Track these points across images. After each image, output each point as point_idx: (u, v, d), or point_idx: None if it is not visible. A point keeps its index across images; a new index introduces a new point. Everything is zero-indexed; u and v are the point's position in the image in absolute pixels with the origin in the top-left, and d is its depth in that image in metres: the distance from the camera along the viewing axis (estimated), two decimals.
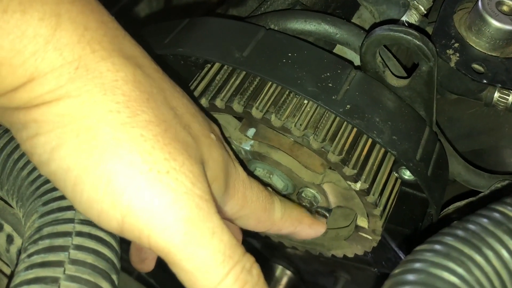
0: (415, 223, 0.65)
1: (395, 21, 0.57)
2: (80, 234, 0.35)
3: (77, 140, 0.31)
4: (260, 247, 1.02)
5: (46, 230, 0.35)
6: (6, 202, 0.45)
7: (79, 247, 0.34)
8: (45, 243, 0.34)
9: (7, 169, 0.42)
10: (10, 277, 0.46)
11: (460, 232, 0.36)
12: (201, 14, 1.18)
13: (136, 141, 0.31)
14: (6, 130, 0.44)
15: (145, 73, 0.35)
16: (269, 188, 0.55)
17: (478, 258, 0.33)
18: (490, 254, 0.33)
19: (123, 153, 0.31)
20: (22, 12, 0.30)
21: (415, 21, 0.57)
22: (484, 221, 0.36)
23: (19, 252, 0.44)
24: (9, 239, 0.45)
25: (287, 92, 0.51)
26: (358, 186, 0.52)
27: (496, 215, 0.36)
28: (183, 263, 0.33)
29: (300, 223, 0.56)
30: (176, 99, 0.38)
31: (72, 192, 0.31)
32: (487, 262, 0.33)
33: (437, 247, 0.35)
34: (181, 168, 0.33)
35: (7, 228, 0.45)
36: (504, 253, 0.33)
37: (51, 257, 0.33)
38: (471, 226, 0.36)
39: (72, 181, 0.31)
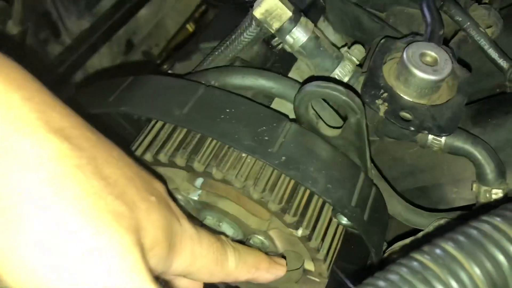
0: (364, 261, 0.67)
1: (330, 73, 0.60)
2: None
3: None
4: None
5: None
6: None
7: None
8: None
9: None
10: None
11: (380, 283, 0.38)
12: (149, 68, 1.21)
13: (60, 220, 0.32)
14: None
15: (73, 144, 0.35)
16: (222, 237, 0.56)
17: None
18: None
19: (41, 236, 0.32)
20: None
21: (349, 71, 0.61)
22: (403, 269, 0.38)
23: None
24: None
25: (227, 146, 0.53)
26: (299, 232, 0.54)
27: (414, 263, 0.38)
28: None
29: (256, 270, 0.56)
30: (110, 165, 0.38)
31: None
32: None
33: None
34: (108, 242, 0.34)
35: None
36: None
37: None
38: (391, 276, 0.38)
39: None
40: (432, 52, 0.56)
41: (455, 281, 0.37)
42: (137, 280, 0.34)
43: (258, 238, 0.61)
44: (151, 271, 0.37)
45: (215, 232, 0.63)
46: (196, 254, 0.47)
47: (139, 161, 0.51)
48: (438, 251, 0.39)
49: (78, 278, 0.32)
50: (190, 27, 1.23)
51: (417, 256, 0.39)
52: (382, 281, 0.38)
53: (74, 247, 0.32)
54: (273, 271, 0.57)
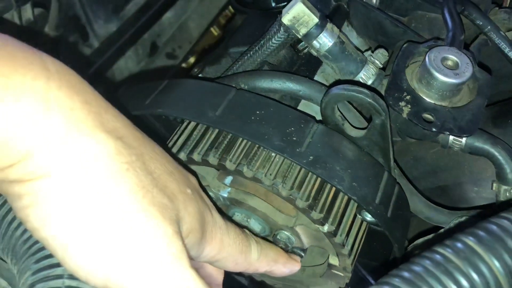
0: (386, 257, 0.69)
1: (355, 76, 0.63)
2: None
3: (64, 212, 0.35)
4: (248, 284, 1.06)
5: (39, 286, 0.40)
6: (1, 259, 0.50)
7: None
8: None
9: (2, 229, 0.46)
10: None
11: (405, 274, 0.40)
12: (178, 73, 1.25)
13: (116, 210, 0.36)
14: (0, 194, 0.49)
15: (125, 143, 0.39)
16: (246, 231, 0.59)
17: None
18: None
19: (104, 222, 0.36)
20: (15, 100, 0.35)
21: (373, 74, 0.63)
22: (426, 262, 0.41)
23: None
24: None
25: (257, 146, 0.56)
26: (325, 228, 0.57)
27: (436, 256, 0.41)
28: None
29: (275, 263, 0.60)
30: (154, 161, 0.42)
31: (62, 256, 0.36)
32: None
33: None
34: (156, 232, 0.38)
35: (3, 283, 0.49)
36: None
37: None
38: (415, 267, 0.41)
39: (61, 247, 0.36)
40: (453, 56, 0.58)
41: (475, 273, 0.39)
42: (180, 266, 0.38)
43: (285, 234, 0.64)
44: (190, 258, 0.41)
45: (241, 227, 0.66)
46: (224, 243, 0.51)
47: (175, 158, 0.54)
48: (459, 245, 0.41)
49: (130, 260, 0.36)
50: (215, 31, 1.26)
51: (440, 249, 0.41)
52: (406, 272, 0.41)
53: (131, 233, 0.36)
54: (290, 266, 0.62)
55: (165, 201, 0.40)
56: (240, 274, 0.94)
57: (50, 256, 0.42)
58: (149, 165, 0.41)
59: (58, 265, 0.41)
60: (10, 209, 0.47)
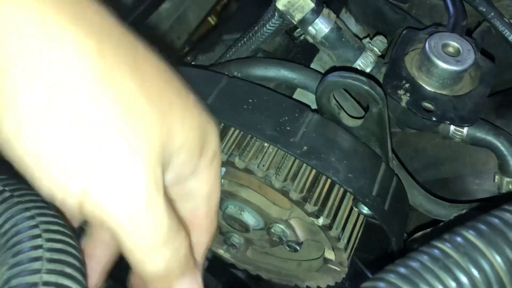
0: (384, 251, 0.67)
1: (352, 64, 0.61)
2: (46, 283, 0.38)
3: (38, 121, 0.33)
4: (245, 278, 1.04)
5: (15, 282, 0.38)
6: None
7: None
8: None
9: None
10: None
11: (401, 269, 0.38)
12: (170, 61, 1.23)
13: (95, 124, 0.34)
14: None
15: (110, 44, 0.35)
16: None
17: None
18: None
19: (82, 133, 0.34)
20: None
21: (371, 62, 0.61)
22: (424, 257, 0.39)
23: None
24: None
25: (249, 136, 0.54)
26: (320, 221, 0.55)
27: (435, 251, 0.39)
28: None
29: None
30: (146, 66, 0.37)
31: (36, 170, 0.34)
32: None
33: (380, 285, 0.38)
34: (137, 153, 0.35)
35: None
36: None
37: None
38: (412, 263, 0.39)
39: (35, 159, 0.33)
40: (454, 43, 0.56)
41: (476, 269, 0.37)
42: (155, 198, 0.36)
43: (279, 227, 0.62)
44: (166, 189, 0.38)
45: (234, 220, 0.64)
46: (219, 178, 0.46)
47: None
48: (459, 239, 0.39)
49: (108, 177, 0.35)
50: (212, 20, 1.24)
51: (438, 244, 0.39)
52: (403, 268, 0.38)
53: (110, 150, 0.34)
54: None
55: (154, 115, 0.36)
56: (236, 267, 0.93)
57: (28, 250, 0.40)
58: (139, 70, 0.36)
59: (36, 259, 0.39)
60: None
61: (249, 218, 0.63)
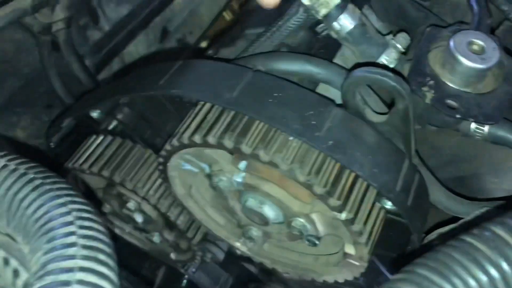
0: (401, 248, 0.68)
1: (375, 60, 0.61)
2: (82, 269, 0.38)
3: None
4: (257, 272, 1.05)
5: (51, 267, 0.38)
6: (12, 238, 0.48)
7: (81, 282, 0.37)
8: (50, 278, 0.37)
9: (14, 207, 0.45)
10: None
11: (431, 262, 0.39)
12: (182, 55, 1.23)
13: None
14: (13, 170, 0.48)
15: None
16: None
17: (447, 285, 0.36)
18: (457, 282, 0.37)
19: None
20: None
21: (394, 59, 0.61)
22: (454, 251, 0.39)
23: (25, 286, 0.47)
24: (15, 273, 0.47)
25: (274, 129, 0.55)
26: (343, 216, 0.55)
27: (464, 245, 0.39)
28: None
29: None
30: None
31: None
32: None
33: (410, 276, 0.38)
34: None
35: (14, 263, 0.48)
36: (470, 281, 0.37)
37: None
38: (442, 256, 0.39)
39: None
40: (479, 41, 0.56)
41: (506, 263, 0.38)
42: None
43: (300, 221, 0.62)
44: None
45: (254, 213, 0.64)
46: None
47: None
48: (488, 233, 0.39)
49: None
50: (227, 15, 1.24)
51: (468, 238, 0.40)
52: (432, 261, 0.39)
53: None
54: None
55: None
56: (250, 261, 0.93)
57: (63, 235, 0.41)
58: None
59: (71, 245, 0.40)
60: (22, 187, 0.45)
61: (269, 211, 0.64)
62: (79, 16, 1.17)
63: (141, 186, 0.77)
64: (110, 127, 0.79)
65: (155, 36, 1.43)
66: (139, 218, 0.89)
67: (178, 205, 0.78)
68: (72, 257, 0.39)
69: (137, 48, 1.40)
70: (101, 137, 0.80)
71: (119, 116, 0.76)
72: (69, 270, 0.38)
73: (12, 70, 1.03)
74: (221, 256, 0.85)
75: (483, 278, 0.37)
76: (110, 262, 0.41)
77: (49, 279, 0.38)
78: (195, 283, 1.13)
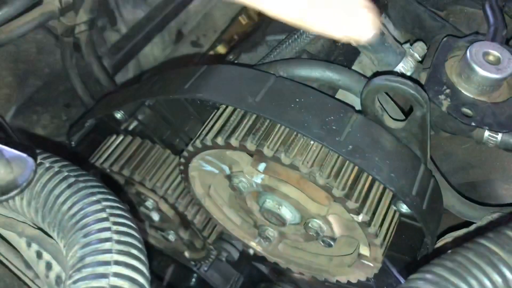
0: (413, 251, 0.69)
1: (393, 68, 0.63)
2: (117, 263, 0.40)
3: None
4: (268, 272, 1.07)
5: (88, 260, 0.40)
6: (46, 233, 0.51)
7: (117, 275, 0.40)
8: (88, 271, 0.40)
9: (49, 203, 0.47)
10: None
11: (448, 263, 0.41)
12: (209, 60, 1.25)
13: None
14: (47, 168, 0.50)
15: None
16: None
17: (463, 285, 0.38)
18: (473, 282, 0.39)
19: None
20: None
21: (411, 67, 0.63)
22: (470, 253, 0.41)
23: (57, 278, 0.49)
24: (48, 266, 0.50)
25: (295, 133, 0.57)
26: (360, 218, 0.57)
27: (481, 248, 0.41)
28: None
29: None
30: None
31: None
32: None
33: (428, 276, 0.40)
34: None
35: (46, 256, 0.50)
36: (486, 282, 0.39)
37: (94, 283, 0.39)
38: (458, 258, 0.41)
39: None
40: (495, 51, 0.58)
41: None
42: None
43: (317, 222, 0.64)
44: None
45: (272, 214, 0.66)
46: None
47: None
48: (503, 237, 0.41)
49: None
50: (243, 20, 1.26)
51: (483, 241, 0.42)
52: (450, 261, 0.41)
53: None
54: None
55: None
56: (261, 261, 0.95)
57: (98, 231, 0.43)
58: None
59: (106, 240, 0.42)
60: (58, 183, 0.48)
61: (287, 212, 0.66)
62: (97, 18, 1.20)
63: (160, 185, 0.80)
64: (131, 127, 0.82)
65: (170, 38, 1.46)
66: (155, 217, 0.92)
67: (195, 204, 0.80)
68: (108, 251, 0.41)
69: (152, 50, 1.43)
70: (121, 137, 0.83)
71: (140, 117, 0.79)
72: (106, 263, 0.40)
73: (33, 70, 1.06)
74: (236, 255, 0.87)
75: (498, 279, 0.39)
76: (142, 256, 0.43)
77: (86, 271, 0.40)
78: (206, 281, 1.15)
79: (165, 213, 0.88)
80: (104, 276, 0.39)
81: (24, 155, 0.44)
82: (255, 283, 1.11)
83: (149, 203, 0.87)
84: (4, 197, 0.44)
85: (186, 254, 1.01)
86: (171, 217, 0.89)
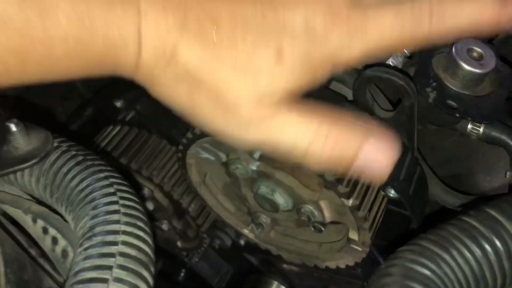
0: (397, 238, 0.73)
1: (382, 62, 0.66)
2: (125, 233, 0.43)
3: None
4: (257, 263, 1.10)
5: (98, 229, 0.43)
6: (51, 209, 0.53)
7: (125, 243, 0.42)
8: (98, 239, 0.42)
9: (58, 179, 0.50)
10: (51, 275, 0.54)
11: (432, 237, 0.44)
12: None
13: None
14: (56, 147, 0.52)
15: None
16: None
17: (446, 256, 0.42)
18: (455, 253, 0.42)
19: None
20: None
21: (400, 62, 0.67)
22: (452, 228, 0.45)
23: (63, 252, 0.51)
24: (54, 241, 0.52)
25: None
26: (350, 202, 0.61)
27: (462, 223, 0.45)
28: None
29: None
30: None
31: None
32: (452, 259, 0.41)
33: (414, 248, 0.44)
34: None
35: (52, 231, 0.53)
36: (466, 253, 0.42)
37: (104, 250, 0.41)
38: (442, 232, 0.45)
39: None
40: (478, 48, 0.62)
41: (497, 239, 0.43)
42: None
43: (309, 208, 0.68)
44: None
45: (265, 200, 0.69)
46: None
47: None
48: (483, 214, 0.45)
49: None
50: None
51: (465, 217, 0.45)
52: (434, 235, 0.44)
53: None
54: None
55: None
56: (251, 252, 0.98)
57: (106, 204, 0.46)
58: None
59: (114, 212, 0.45)
60: (66, 161, 0.50)
61: (280, 198, 0.69)
62: None
63: (156, 174, 0.82)
64: (128, 117, 0.84)
65: None
66: (150, 206, 0.94)
67: (190, 193, 0.83)
68: (116, 222, 0.44)
69: None
70: (118, 127, 0.85)
71: (138, 107, 0.81)
72: (115, 232, 0.43)
73: None
74: (229, 242, 0.89)
75: (477, 250, 0.42)
76: (147, 228, 0.46)
77: (96, 239, 0.43)
78: (196, 274, 1.17)
79: (159, 202, 0.91)
80: (113, 243, 0.42)
81: (42, 128, 0.47)
82: (244, 274, 1.14)
83: (145, 192, 0.89)
84: (25, 165, 0.46)
85: (179, 243, 1.03)
86: (165, 206, 0.91)
